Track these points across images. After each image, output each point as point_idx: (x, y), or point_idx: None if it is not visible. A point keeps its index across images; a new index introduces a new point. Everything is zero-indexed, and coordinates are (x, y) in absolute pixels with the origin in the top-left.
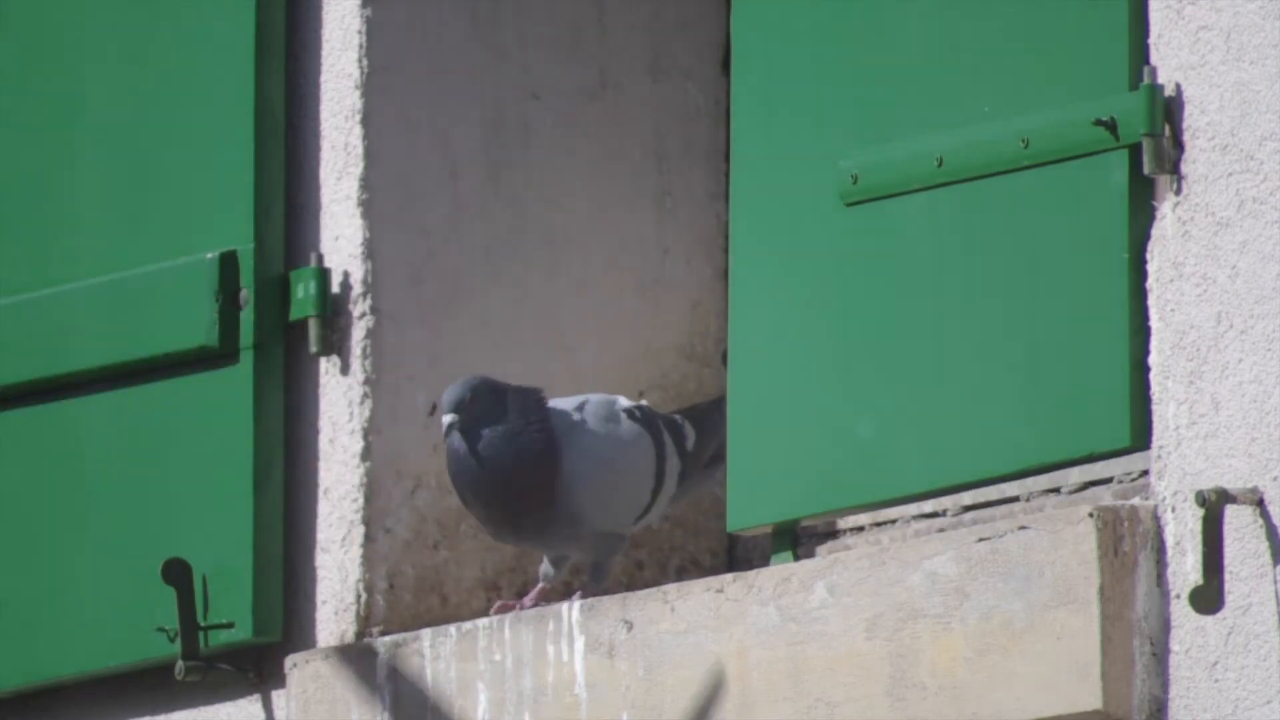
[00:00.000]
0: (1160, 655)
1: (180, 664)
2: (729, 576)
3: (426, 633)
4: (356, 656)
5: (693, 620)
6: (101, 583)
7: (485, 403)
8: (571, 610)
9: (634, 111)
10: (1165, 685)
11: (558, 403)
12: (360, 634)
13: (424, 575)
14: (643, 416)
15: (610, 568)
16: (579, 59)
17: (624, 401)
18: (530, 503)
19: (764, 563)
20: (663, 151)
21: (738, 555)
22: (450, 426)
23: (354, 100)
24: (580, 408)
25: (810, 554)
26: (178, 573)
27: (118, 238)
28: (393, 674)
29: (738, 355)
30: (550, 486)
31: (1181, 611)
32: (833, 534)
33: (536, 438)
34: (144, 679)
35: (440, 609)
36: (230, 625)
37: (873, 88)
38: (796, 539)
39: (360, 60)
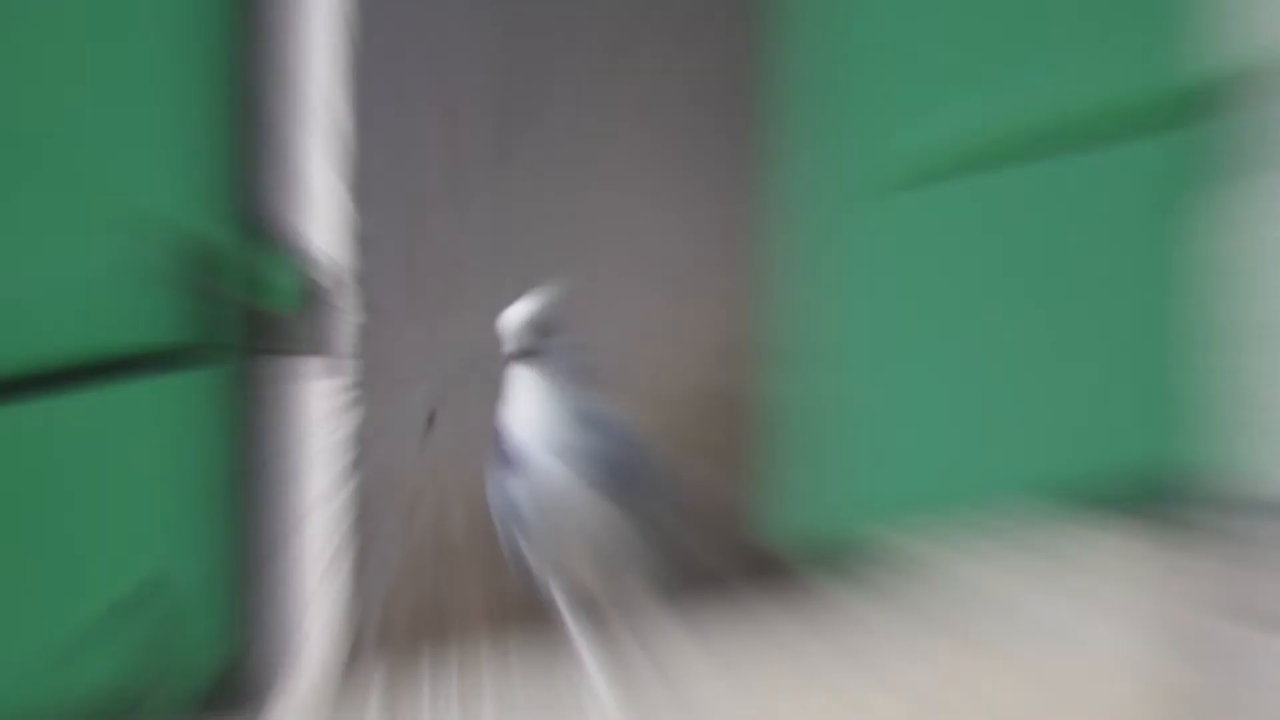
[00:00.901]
0: None
1: (153, 691)
2: None
3: (423, 658)
4: (348, 685)
5: None
6: (71, 601)
7: None
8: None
9: (658, 86)
10: None
11: None
12: (350, 660)
13: (421, 599)
14: None
15: None
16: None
17: None
18: None
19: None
20: (693, 133)
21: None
22: None
23: (334, 71)
24: None
25: None
26: (150, 593)
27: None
28: (387, 702)
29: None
30: None
31: None
32: None
33: None
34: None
35: (438, 633)
36: (207, 649)
37: (923, 69)
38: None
39: (342, 26)
